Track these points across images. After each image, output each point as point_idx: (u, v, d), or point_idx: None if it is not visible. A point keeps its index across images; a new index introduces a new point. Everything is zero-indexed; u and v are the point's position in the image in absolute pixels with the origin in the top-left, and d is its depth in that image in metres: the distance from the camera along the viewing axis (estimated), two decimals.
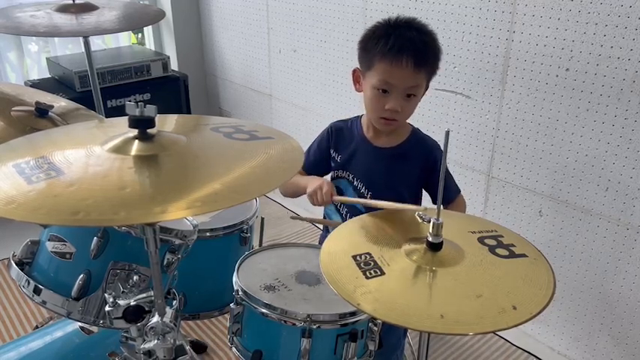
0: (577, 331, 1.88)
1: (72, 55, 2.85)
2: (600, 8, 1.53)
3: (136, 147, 0.92)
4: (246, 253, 1.33)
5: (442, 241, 0.95)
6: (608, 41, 1.53)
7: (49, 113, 1.45)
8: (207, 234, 1.38)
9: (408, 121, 1.42)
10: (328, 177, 1.50)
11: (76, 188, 0.82)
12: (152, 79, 2.82)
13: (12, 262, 1.15)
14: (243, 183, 0.88)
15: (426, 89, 1.36)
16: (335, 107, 2.48)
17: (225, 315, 1.33)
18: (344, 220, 1.46)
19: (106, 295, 1.05)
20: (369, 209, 1.22)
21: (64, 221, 0.80)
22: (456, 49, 1.90)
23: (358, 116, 1.48)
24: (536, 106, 1.74)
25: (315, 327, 1.10)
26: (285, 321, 1.11)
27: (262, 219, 1.51)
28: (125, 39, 3.19)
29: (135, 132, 0.93)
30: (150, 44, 3.27)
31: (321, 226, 1.91)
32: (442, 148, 0.94)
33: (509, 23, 1.74)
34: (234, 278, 1.22)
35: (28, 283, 1.13)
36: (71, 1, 1.86)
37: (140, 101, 1.03)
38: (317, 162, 1.50)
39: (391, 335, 1.45)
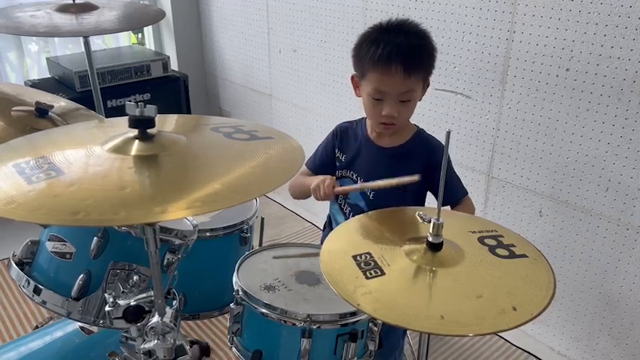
0: (577, 331, 1.87)
1: (72, 55, 2.85)
2: (600, 8, 1.53)
3: (136, 147, 0.92)
4: (246, 253, 1.33)
5: (442, 242, 0.95)
6: (608, 41, 1.53)
7: (49, 113, 1.45)
8: (207, 234, 1.38)
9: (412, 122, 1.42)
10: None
11: (76, 188, 0.82)
12: (152, 79, 2.82)
13: (12, 262, 1.15)
14: (243, 183, 0.88)
15: (427, 87, 1.37)
16: (335, 107, 2.48)
17: (225, 315, 1.33)
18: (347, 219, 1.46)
19: (106, 295, 1.05)
20: (371, 209, 1.22)
21: (64, 221, 0.80)
22: (456, 49, 1.90)
23: (364, 117, 1.49)
24: (536, 106, 1.74)
25: (315, 327, 1.10)
26: (285, 321, 1.11)
27: (262, 219, 1.51)
28: (125, 39, 3.19)
29: (135, 132, 0.93)
30: (150, 44, 3.27)
31: (321, 226, 1.91)
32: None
33: (509, 23, 1.74)
34: (234, 278, 1.22)
35: (28, 283, 1.13)
36: (71, 1, 1.86)
37: (140, 101, 1.03)
38: (324, 164, 1.51)
39: (391, 335, 1.45)
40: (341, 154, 1.49)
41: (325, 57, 2.44)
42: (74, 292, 1.10)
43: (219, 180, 0.87)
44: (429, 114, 2.04)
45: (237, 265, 1.26)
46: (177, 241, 1.16)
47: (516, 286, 0.89)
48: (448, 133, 0.90)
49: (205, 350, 1.92)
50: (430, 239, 0.94)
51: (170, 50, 3.19)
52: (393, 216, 1.13)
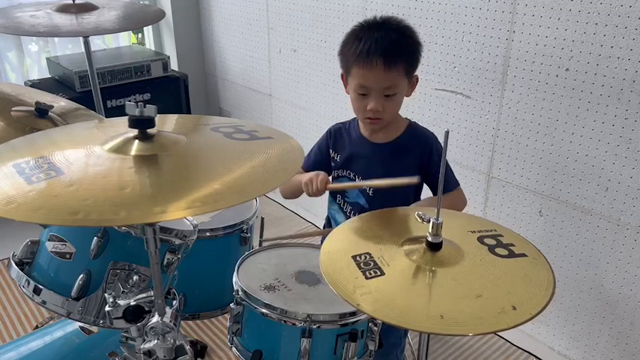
0: (577, 331, 1.87)
1: (72, 55, 2.85)
2: (600, 8, 1.53)
3: (136, 147, 0.92)
4: (246, 253, 1.33)
5: (442, 241, 0.95)
6: (608, 41, 1.53)
7: (49, 113, 1.45)
8: (207, 234, 1.38)
9: (405, 116, 1.43)
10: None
11: (76, 188, 0.82)
12: (152, 79, 2.82)
13: (12, 262, 1.15)
14: (243, 183, 0.88)
15: (416, 82, 1.39)
16: (335, 107, 2.48)
17: (225, 315, 1.33)
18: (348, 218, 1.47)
19: (106, 295, 1.05)
20: (372, 208, 1.22)
21: (64, 221, 0.80)
22: (456, 49, 1.90)
23: (356, 117, 1.49)
24: (536, 106, 1.74)
25: (315, 327, 1.10)
26: (285, 321, 1.11)
27: (262, 219, 1.51)
28: (125, 39, 3.19)
29: (135, 132, 0.93)
30: (150, 44, 3.27)
31: (321, 226, 1.91)
32: (442, 144, 0.94)
33: (509, 23, 1.74)
34: (234, 278, 1.22)
35: (28, 283, 1.13)
36: (71, 1, 1.86)
37: (140, 101, 1.03)
38: (317, 163, 1.52)
39: (391, 335, 1.45)
40: (336, 154, 1.50)
41: (325, 57, 2.44)
42: (74, 292, 1.10)
43: (219, 180, 0.87)
44: (429, 114, 2.04)
45: (237, 265, 1.26)
46: (177, 241, 1.16)
47: (516, 286, 0.89)
48: (447, 133, 0.91)
49: (200, 352, 1.92)
50: (429, 239, 0.95)
51: (170, 50, 3.19)
52: (393, 216, 1.13)
